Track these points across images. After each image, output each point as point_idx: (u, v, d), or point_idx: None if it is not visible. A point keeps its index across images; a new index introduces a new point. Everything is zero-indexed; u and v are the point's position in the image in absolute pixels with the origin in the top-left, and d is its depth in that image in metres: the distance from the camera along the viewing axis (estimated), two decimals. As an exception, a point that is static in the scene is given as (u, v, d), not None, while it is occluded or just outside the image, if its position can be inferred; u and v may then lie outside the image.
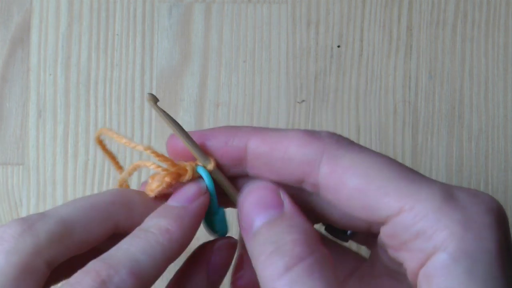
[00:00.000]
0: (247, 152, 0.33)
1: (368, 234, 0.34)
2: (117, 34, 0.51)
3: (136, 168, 0.34)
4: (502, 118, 0.51)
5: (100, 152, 0.51)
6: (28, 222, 0.30)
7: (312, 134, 0.32)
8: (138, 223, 0.32)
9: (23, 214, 0.50)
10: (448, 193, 0.29)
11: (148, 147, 0.33)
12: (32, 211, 0.50)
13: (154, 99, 0.32)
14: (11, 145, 0.51)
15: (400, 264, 0.31)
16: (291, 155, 0.32)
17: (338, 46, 0.51)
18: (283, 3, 0.51)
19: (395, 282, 0.34)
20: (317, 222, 0.36)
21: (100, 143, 0.35)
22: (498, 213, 0.29)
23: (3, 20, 0.52)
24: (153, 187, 0.32)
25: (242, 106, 0.51)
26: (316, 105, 0.51)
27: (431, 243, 0.28)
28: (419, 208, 0.29)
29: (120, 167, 0.36)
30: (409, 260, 0.30)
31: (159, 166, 0.33)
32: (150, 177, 0.33)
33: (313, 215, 0.34)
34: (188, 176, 0.32)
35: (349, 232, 0.35)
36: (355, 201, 0.30)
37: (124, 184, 0.35)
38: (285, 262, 0.29)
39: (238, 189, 0.33)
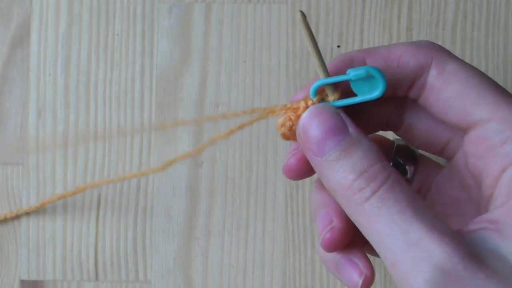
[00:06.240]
0: None
1: (443, 148, 0.39)
2: (117, 34, 0.51)
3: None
4: (502, 118, 0.51)
5: (100, 153, 0.51)
6: None
7: (418, 44, 0.37)
8: None
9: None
10: None
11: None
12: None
13: (304, 16, 0.36)
14: (11, 145, 0.51)
15: (478, 173, 0.35)
16: (404, 63, 0.36)
17: (338, 46, 0.51)
18: (283, 3, 0.51)
19: (466, 194, 0.38)
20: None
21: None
22: None
23: (3, 20, 0.52)
24: (280, 121, 0.37)
25: (242, 106, 0.51)
26: (316, 105, 0.51)
27: None
28: (510, 118, 0.34)
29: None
30: (492, 165, 0.34)
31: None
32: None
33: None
34: (302, 108, 0.36)
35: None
36: (453, 102, 0.35)
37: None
38: (371, 187, 0.32)
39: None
